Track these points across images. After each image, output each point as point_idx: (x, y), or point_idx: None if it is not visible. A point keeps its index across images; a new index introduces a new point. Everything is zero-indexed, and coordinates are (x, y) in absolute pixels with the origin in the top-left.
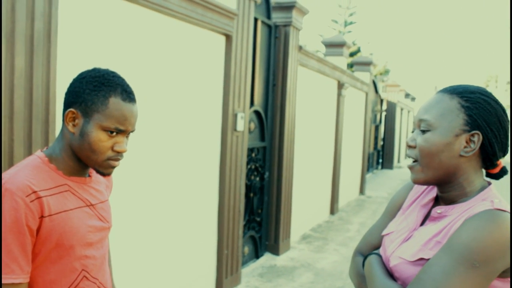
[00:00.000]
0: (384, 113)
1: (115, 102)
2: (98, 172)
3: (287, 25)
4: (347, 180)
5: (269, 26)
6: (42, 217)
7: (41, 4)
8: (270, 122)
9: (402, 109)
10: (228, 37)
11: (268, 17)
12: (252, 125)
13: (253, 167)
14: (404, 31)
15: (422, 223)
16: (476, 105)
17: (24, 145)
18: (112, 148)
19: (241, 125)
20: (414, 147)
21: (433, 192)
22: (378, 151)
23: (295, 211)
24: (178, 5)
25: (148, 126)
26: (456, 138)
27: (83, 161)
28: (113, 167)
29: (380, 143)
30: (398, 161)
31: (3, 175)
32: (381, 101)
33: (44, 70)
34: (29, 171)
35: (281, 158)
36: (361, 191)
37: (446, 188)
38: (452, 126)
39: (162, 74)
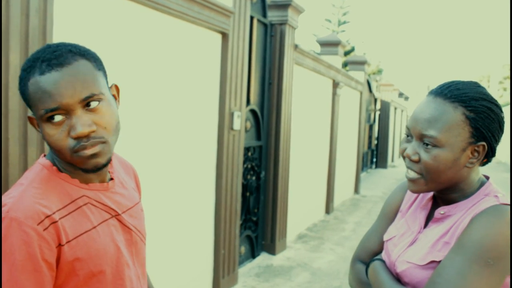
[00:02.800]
0: (378, 113)
1: (33, 83)
2: (83, 170)
3: (283, 23)
4: (342, 179)
5: (265, 25)
6: (59, 245)
7: (36, 0)
8: (266, 121)
9: (395, 109)
10: (225, 35)
11: (264, 15)
12: (248, 124)
13: (249, 166)
14: (397, 30)
15: (425, 225)
16: (481, 115)
17: (19, 144)
18: (69, 137)
19: (237, 124)
20: (417, 162)
21: (430, 192)
22: (372, 150)
23: (291, 211)
24: (174, 3)
25: (143, 125)
26: (462, 152)
27: (70, 163)
28: (90, 155)
29: (374, 142)
30: (392, 160)
31: (4, 198)
32: (375, 100)
33: None
34: (37, 189)
35: (277, 157)
36: (356, 190)
37: (446, 191)
38: (458, 140)
39: (158, 73)
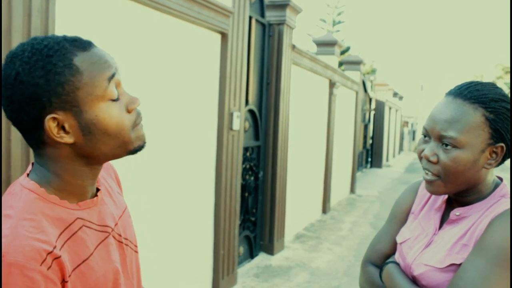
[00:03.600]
0: (373, 112)
1: (83, 60)
2: (133, 152)
3: (281, 23)
4: (338, 179)
5: (263, 25)
6: (63, 281)
7: (38, 0)
8: (264, 121)
9: (390, 108)
10: (224, 35)
11: (262, 15)
12: (247, 124)
13: (247, 166)
14: (390, 30)
15: (440, 227)
16: (501, 116)
17: (21, 145)
18: (127, 112)
19: (237, 124)
20: (436, 163)
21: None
22: (367, 150)
23: (289, 211)
24: (174, 3)
25: (144, 126)
26: (481, 153)
27: (108, 157)
28: (143, 133)
29: (369, 142)
30: (387, 160)
31: None
32: (370, 100)
33: None
34: (29, 222)
35: (275, 157)
36: (352, 190)
37: (463, 193)
38: (478, 142)
39: (158, 72)
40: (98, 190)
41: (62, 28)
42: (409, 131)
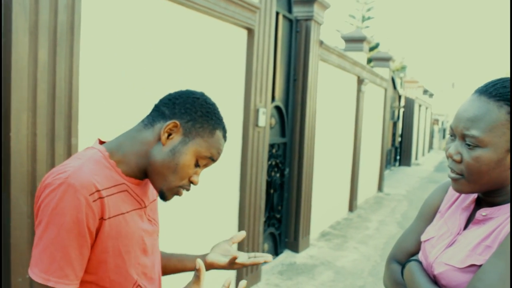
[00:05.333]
0: (402, 110)
1: (219, 136)
2: (160, 195)
3: (309, 19)
4: (365, 177)
5: (290, 20)
6: (102, 219)
7: None
8: (291, 117)
9: (420, 106)
10: (250, 31)
11: (289, 11)
12: (273, 121)
13: (273, 163)
14: (421, 26)
15: (465, 227)
16: None
17: (46, 139)
18: (189, 178)
19: (262, 120)
20: (459, 162)
21: (474, 194)
22: (396, 148)
23: (315, 208)
24: None
25: None
26: (507, 153)
27: (151, 176)
28: (178, 195)
29: (398, 139)
30: (416, 158)
31: (62, 167)
32: (399, 97)
33: (67, 64)
34: (93, 166)
35: (301, 154)
36: (379, 188)
37: (491, 194)
38: (503, 141)
39: (184, 68)
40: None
41: (88, 24)
42: (439, 129)
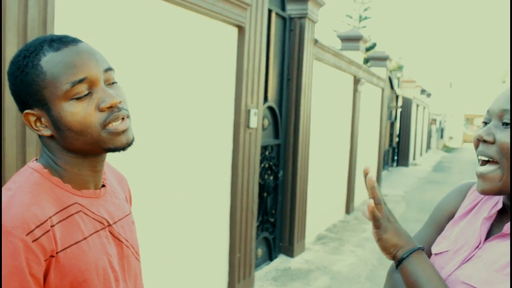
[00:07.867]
0: (399, 110)
1: (49, 61)
2: (111, 150)
3: (303, 17)
4: (362, 178)
5: (283, 18)
6: (51, 256)
7: None
8: (285, 118)
9: (418, 106)
10: (241, 29)
11: (283, 8)
12: (266, 122)
13: (266, 165)
14: (418, 26)
15: (485, 239)
16: None
17: (16, 144)
18: (99, 110)
19: (254, 121)
20: (492, 143)
21: (498, 201)
22: (393, 148)
23: (310, 211)
24: None
25: (156, 123)
26: None
27: (87, 152)
28: (122, 130)
29: (396, 140)
30: (414, 158)
31: None
32: (397, 97)
33: None
34: (27, 194)
35: (295, 156)
36: None
37: None
38: None
39: (170, 68)
40: (104, 186)
41: (63, 20)
42: (437, 129)
